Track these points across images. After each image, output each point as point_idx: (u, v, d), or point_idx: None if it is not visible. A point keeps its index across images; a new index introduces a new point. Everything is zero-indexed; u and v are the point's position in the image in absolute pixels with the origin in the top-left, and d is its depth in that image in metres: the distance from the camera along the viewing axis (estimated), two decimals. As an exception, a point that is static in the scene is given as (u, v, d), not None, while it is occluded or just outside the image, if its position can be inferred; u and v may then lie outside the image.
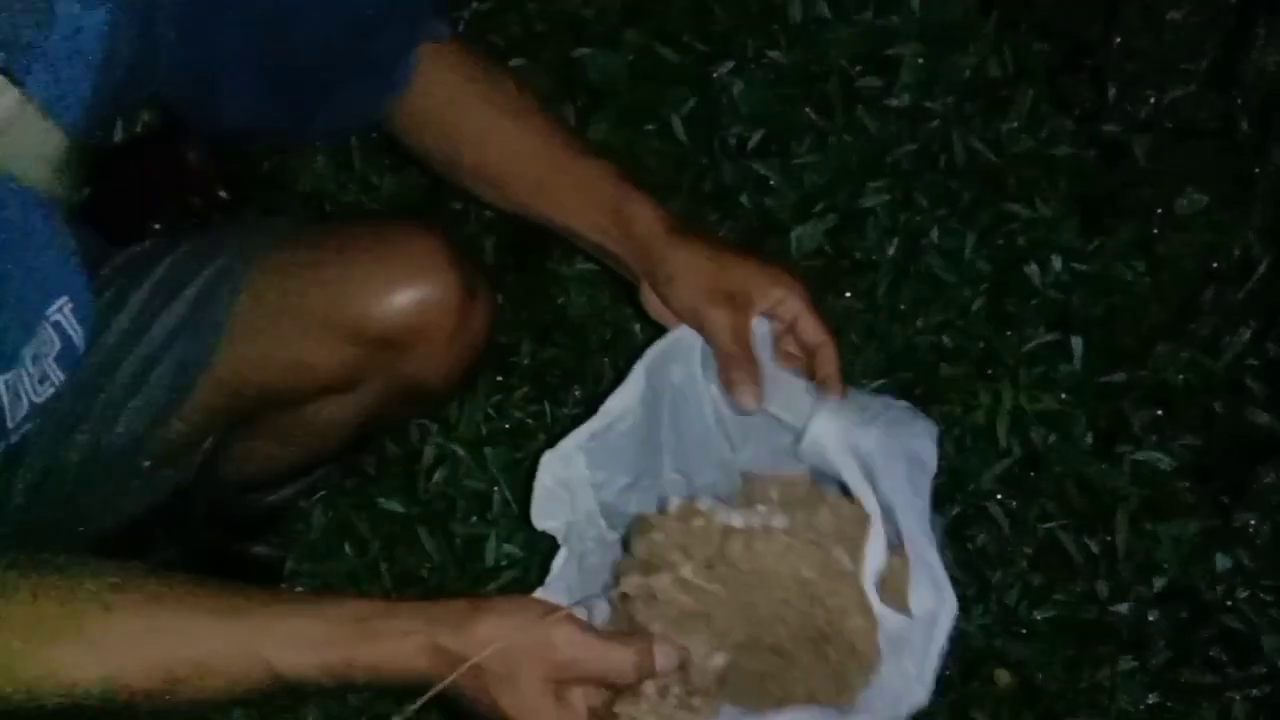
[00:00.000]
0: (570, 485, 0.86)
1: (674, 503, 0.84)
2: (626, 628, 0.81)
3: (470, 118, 0.98)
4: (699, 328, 0.90)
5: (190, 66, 0.90)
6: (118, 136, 1.32)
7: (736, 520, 0.82)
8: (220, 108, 0.96)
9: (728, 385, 0.89)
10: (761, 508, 0.84)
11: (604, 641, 0.77)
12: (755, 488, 0.89)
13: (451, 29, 1.00)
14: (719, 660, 0.79)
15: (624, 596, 0.81)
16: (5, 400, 0.87)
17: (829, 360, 0.90)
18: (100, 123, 0.86)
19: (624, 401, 0.88)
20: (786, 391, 0.89)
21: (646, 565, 0.81)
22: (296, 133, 1.06)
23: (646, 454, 0.91)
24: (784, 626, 0.82)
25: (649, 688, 0.77)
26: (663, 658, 0.76)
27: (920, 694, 0.80)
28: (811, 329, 0.90)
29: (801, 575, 0.81)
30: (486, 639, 0.74)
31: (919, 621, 0.79)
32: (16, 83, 0.77)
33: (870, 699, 0.80)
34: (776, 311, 0.90)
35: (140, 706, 0.77)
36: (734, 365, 0.89)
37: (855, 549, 0.82)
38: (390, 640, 0.75)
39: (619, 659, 0.75)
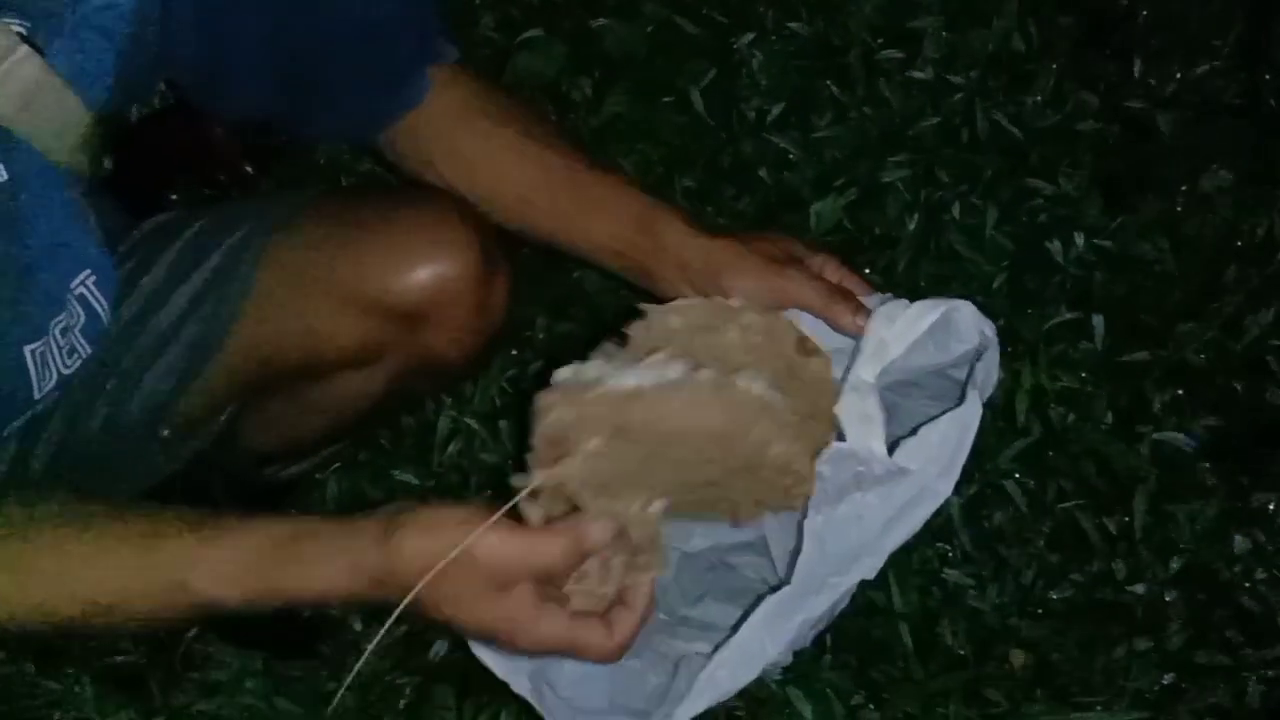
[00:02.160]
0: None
1: (561, 374, 0.77)
2: (560, 509, 0.77)
3: (485, 141, 0.98)
4: (782, 299, 0.88)
5: (203, 54, 0.90)
6: (136, 115, 1.32)
7: (630, 381, 0.75)
8: (228, 98, 0.96)
9: (834, 319, 0.87)
10: (659, 356, 0.76)
11: (530, 538, 0.74)
12: (655, 323, 0.81)
13: (460, 55, 0.99)
14: (656, 507, 0.76)
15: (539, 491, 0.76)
16: (34, 371, 0.88)
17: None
18: (121, 102, 0.86)
19: None
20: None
21: (550, 449, 0.76)
22: (297, 131, 1.05)
23: None
24: (711, 466, 0.78)
25: (592, 565, 0.75)
26: (596, 533, 0.74)
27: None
28: (858, 288, 0.90)
29: (711, 429, 0.76)
30: (410, 555, 0.72)
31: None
32: (39, 52, 0.77)
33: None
34: (829, 276, 0.90)
35: (78, 630, 0.81)
36: (831, 302, 0.87)
37: (768, 364, 0.78)
38: (311, 564, 0.75)
39: (549, 551, 0.73)
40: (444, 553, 0.71)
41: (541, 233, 0.98)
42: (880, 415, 0.79)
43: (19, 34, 0.77)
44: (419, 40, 0.97)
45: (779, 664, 0.84)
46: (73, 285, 0.90)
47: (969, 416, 0.82)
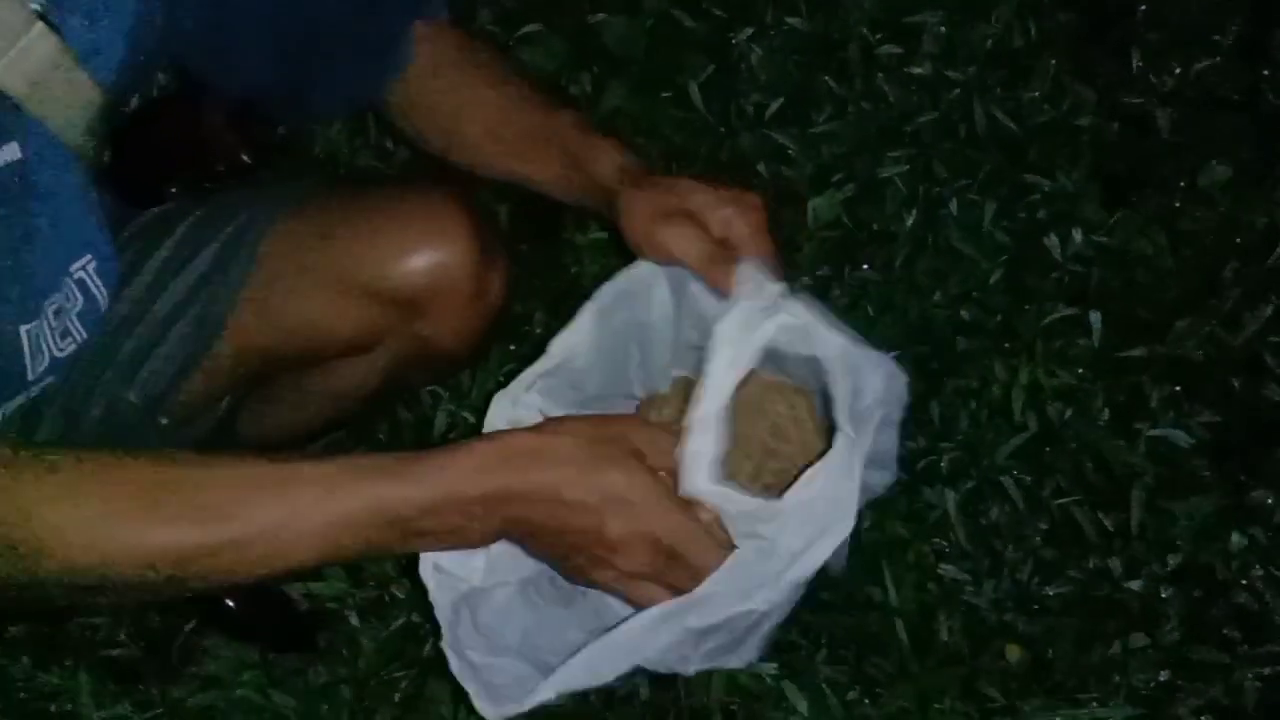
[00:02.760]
0: (523, 422, 0.85)
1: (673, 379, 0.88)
2: None
3: (450, 90, 0.99)
4: (660, 254, 0.88)
5: (206, 30, 0.91)
6: (134, 106, 1.31)
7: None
8: (230, 74, 0.97)
9: (710, 281, 0.86)
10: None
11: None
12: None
13: (448, 9, 1.01)
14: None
15: None
16: (27, 351, 0.88)
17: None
18: (130, 84, 0.87)
19: (571, 340, 0.88)
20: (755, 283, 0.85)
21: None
22: (297, 106, 1.06)
23: (613, 382, 0.92)
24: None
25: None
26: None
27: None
28: (757, 247, 0.87)
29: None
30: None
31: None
32: (54, 30, 0.77)
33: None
34: (729, 233, 0.88)
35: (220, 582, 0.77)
36: (709, 263, 0.86)
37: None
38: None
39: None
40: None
41: (500, 171, 1.00)
42: (711, 452, 0.77)
43: (35, 11, 0.77)
44: (412, 3, 0.98)
45: (655, 667, 0.83)
46: (72, 269, 0.90)
47: (841, 460, 0.78)
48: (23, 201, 0.83)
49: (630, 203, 0.89)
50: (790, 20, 1.56)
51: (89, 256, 0.91)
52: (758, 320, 0.80)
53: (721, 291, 0.85)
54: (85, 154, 0.86)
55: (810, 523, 0.78)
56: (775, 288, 0.83)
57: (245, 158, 1.20)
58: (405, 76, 0.99)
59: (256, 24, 0.92)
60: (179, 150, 1.33)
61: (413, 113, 1.01)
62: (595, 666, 0.79)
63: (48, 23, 0.77)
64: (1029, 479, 1.32)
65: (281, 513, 0.72)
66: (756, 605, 0.78)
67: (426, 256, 1.02)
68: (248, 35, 0.93)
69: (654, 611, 0.78)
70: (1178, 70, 1.51)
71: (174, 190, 1.31)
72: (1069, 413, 1.34)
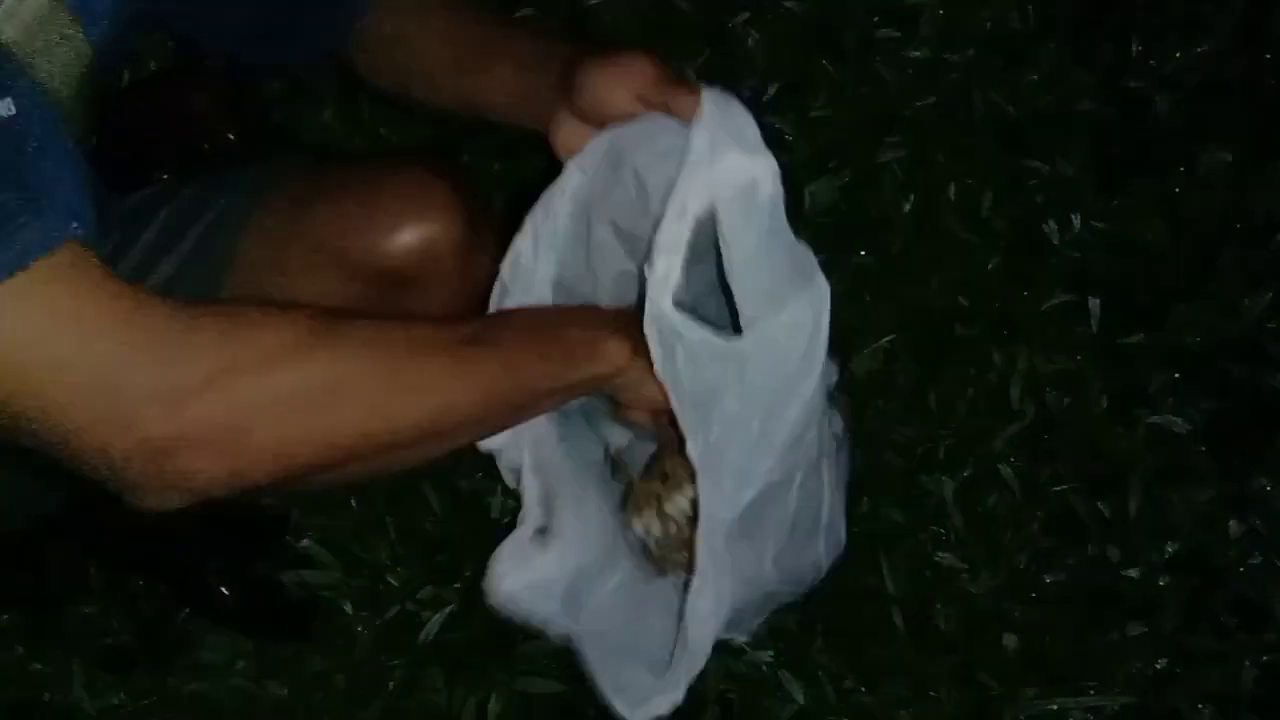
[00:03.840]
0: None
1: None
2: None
3: (409, 24, 0.97)
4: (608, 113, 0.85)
5: None
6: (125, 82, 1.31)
7: None
8: (208, 27, 0.97)
9: (675, 111, 0.82)
10: None
11: None
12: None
13: None
14: None
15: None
16: None
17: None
18: (116, 42, 0.86)
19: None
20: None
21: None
22: (272, 56, 1.05)
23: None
24: None
25: None
26: None
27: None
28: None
29: None
30: None
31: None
32: None
33: None
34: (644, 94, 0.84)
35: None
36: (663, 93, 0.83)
37: None
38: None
39: None
40: None
41: (458, 102, 0.96)
42: (675, 277, 0.74)
43: None
44: None
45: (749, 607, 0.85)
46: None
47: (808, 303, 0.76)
48: (17, 161, 0.82)
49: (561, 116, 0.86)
50: (787, 4, 1.55)
51: (76, 225, 0.89)
52: (723, 145, 0.75)
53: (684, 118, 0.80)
54: (73, 118, 0.84)
55: (777, 358, 0.76)
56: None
57: (231, 137, 1.20)
58: (370, 19, 0.97)
59: None
60: (165, 130, 1.32)
61: (377, 53, 0.99)
62: (700, 643, 0.80)
63: None
64: (1027, 467, 1.32)
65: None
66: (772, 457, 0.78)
67: (413, 230, 1.00)
68: None
69: (701, 550, 0.79)
70: (1177, 55, 1.50)
71: (160, 173, 1.30)
72: (1067, 400, 1.34)
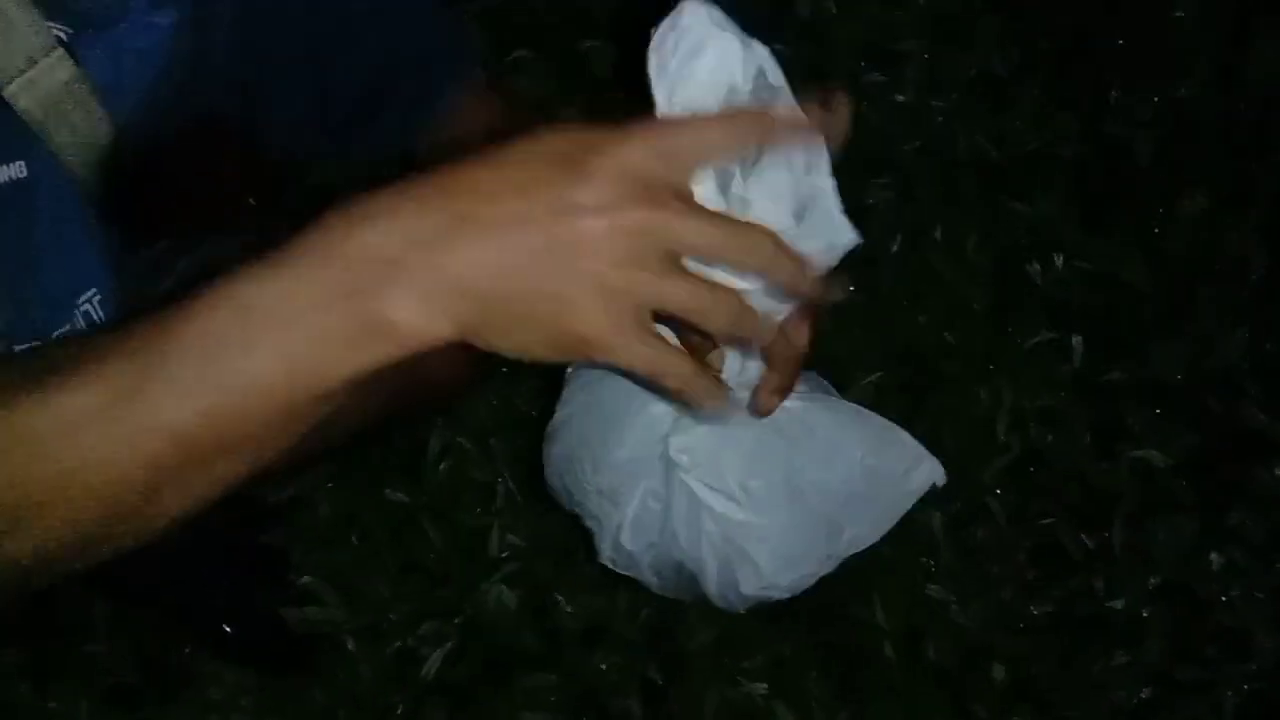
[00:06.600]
0: None
1: None
2: None
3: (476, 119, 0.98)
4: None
5: (240, 81, 0.90)
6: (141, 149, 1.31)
7: None
8: (265, 126, 0.96)
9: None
10: None
11: None
12: None
13: (486, 75, 1.00)
14: None
15: None
16: None
17: None
18: (148, 126, 0.87)
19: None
20: None
21: None
22: (334, 156, 1.06)
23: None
24: None
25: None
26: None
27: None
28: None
29: None
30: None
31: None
32: (75, 59, 0.79)
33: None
34: None
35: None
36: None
37: None
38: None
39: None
40: None
41: None
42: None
43: (59, 38, 0.78)
44: (451, 63, 0.97)
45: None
46: (79, 300, 0.90)
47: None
48: (27, 223, 0.84)
49: None
50: (777, 47, 1.57)
51: (94, 290, 0.91)
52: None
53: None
54: (88, 188, 0.86)
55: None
56: None
57: (251, 200, 1.21)
58: (452, 116, 0.96)
59: (290, 78, 0.91)
60: (187, 191, 1.33)
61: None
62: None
63: (69, 50, 0.78)
64: (1013, 500, 1.34)
65: None
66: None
67: None
68: (281, 88, 0.92)
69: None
70: (1156, 99, 1.54)
71: (172, 229, 1.31)
72: (1051, 435, 1.37)
